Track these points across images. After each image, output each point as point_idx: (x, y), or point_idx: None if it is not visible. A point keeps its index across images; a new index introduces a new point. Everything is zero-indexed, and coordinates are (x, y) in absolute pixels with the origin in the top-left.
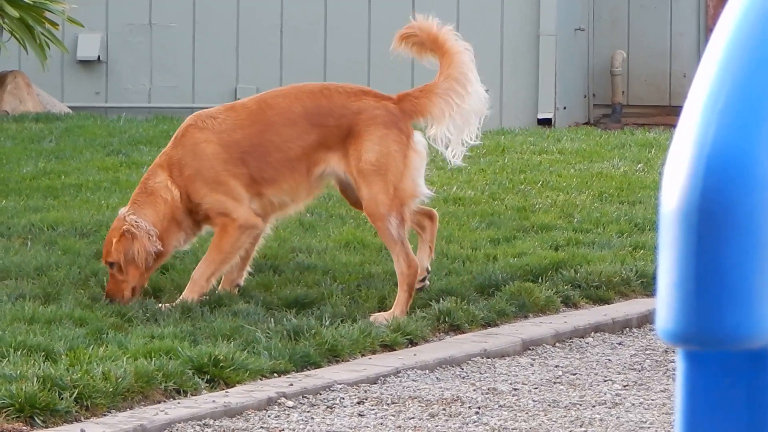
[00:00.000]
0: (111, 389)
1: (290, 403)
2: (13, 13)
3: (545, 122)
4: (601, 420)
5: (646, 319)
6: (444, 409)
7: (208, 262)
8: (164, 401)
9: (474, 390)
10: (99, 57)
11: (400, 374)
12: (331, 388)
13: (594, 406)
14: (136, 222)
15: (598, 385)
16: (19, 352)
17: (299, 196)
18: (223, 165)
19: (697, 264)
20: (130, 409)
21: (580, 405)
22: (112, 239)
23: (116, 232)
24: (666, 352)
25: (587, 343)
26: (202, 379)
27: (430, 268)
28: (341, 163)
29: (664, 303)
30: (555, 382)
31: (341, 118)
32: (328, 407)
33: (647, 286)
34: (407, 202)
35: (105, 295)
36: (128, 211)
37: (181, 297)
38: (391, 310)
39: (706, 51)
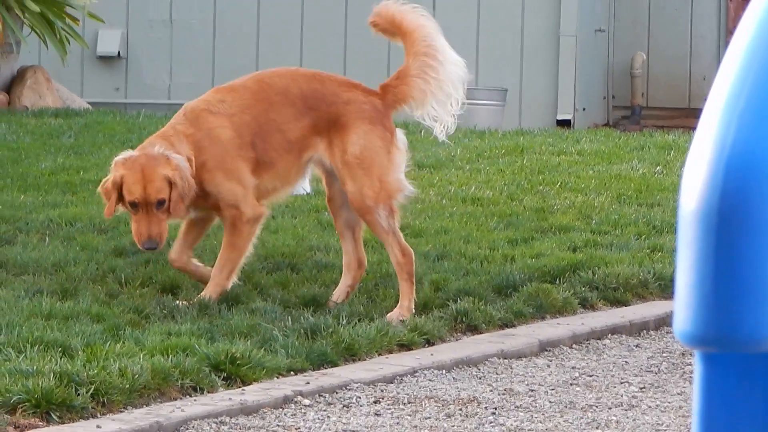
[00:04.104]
0: (127, 386)
1: (307, 402)
2: (34, 8)
3: (564, 123)
4: (617, 422)
5: (663, 322)
6: (460, 410)
7: (225, 260)
8: (180, 398)
9: (490, 390)
10: (119, 53)
11: (416, 374)
12: (348, 387)
13: (610, 408)
14: (179, 159)
15: (615, 387)
16: (36, 348)
17: (289, 181)
18: (237, 150)
19: (716, 265)
20: (147, 406)
21: (597, 407)
22: (159, 174)
23: (162, 167)
24: (683, 354)
25: (604, 344)
26: (219, 377)
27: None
28: (327, 151)
29: (682, 304)
30: (571, 384)
31: (331, 105)
32: (344, 406)
33: (665, 288)
34: (394, 195)
35: (147, 239)
36: (160, 148)
37: (201, 294)
38: (399, 304)
39: (726, 53)
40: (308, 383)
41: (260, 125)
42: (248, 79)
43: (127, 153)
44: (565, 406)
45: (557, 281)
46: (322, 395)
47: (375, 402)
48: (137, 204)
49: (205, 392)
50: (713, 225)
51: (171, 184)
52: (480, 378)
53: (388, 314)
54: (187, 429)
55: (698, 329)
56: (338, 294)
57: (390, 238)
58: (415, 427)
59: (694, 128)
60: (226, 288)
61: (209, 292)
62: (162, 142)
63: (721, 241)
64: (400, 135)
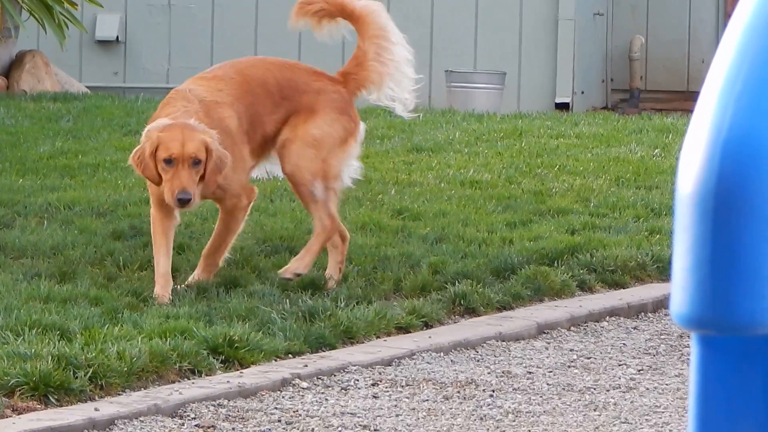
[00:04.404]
0: (125, 369)
1: (305, 384)
2: None
3: (563, 106)
4: (615, 404)
5: (661, 304)
6: (458, 392)
7: (220, 242)
8: (179, 381)
9: (488, 373)
10: (117, 37)
11: (414, 356)
12: (346, 370)
13: (608, 390)
14: (214, 134)
15: (613, 369)
16: (34, 331)
17: (256, 166)
18: (241, 138)
19: (713, 248)
20: (145, 389)
21: (595, 389)
22: (199, 137)
23: (201, 134)
24: (681, 336)
25: (602, 327)
26: (217, 360)
27: (336, 279)
28: (286, 130)
29: (679, 287)
30: (569, 366)
31: (303, 94)
32: (342, 389)
33: (663, 270)
34: (330, 179)
35: (181, 189)
36: (195, 122)
37: (195, 276)
38: (299, 257)
39: (723, 36)
40: (306, 366)
41: (250, 116)
42: (228, 69)
43: (162, 121)
44: (563, 389)
45: (555, 264)
46: (320, 378)
47: (373, 385)
48: (173, 160)
49: (203, 375)
50: (710, 208)
51: (208, 151)
52: (478, 360)
53: (282, 269)
54: (185, 411)
55: (695, 312)
56: (330, 271)
57: (320, 206)
58: (413, 409)
59: (692, 111)
60: (218, 268)
61: (205, 274)
62: (193, 119)
63: (718, 224)
64: (362, 127)
